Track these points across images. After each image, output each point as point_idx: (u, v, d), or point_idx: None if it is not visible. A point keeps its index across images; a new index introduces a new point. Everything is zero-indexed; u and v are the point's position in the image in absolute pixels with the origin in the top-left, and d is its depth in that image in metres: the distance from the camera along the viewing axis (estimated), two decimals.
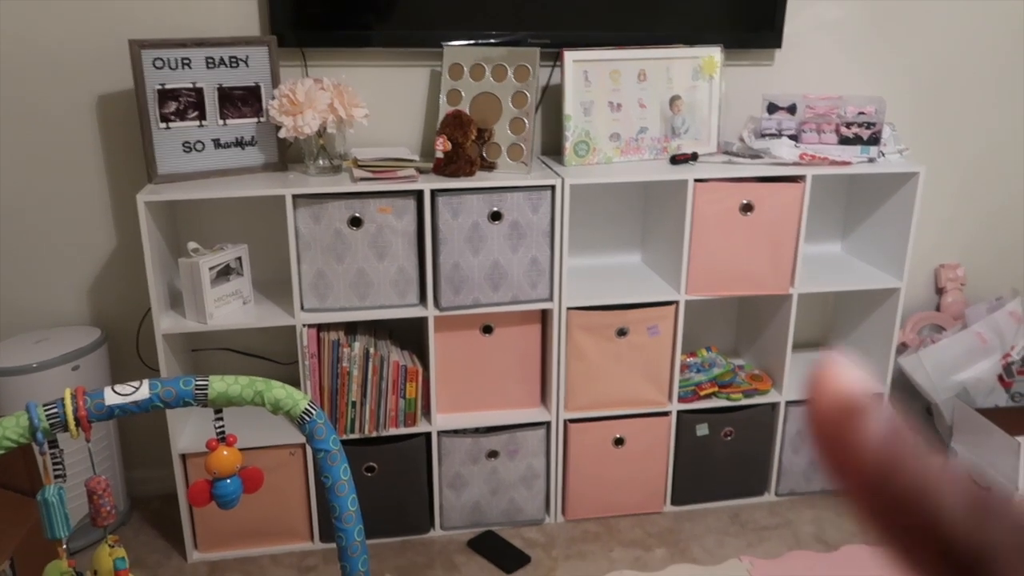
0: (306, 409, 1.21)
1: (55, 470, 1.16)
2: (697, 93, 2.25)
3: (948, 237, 2.69)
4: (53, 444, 1.15)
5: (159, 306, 2.00)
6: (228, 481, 1.24)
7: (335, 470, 1.21)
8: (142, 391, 1.15)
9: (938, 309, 2.71)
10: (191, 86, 2.00)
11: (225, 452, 1.23)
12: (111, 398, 1.14)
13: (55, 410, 1.12)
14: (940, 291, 2.70)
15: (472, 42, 2.16)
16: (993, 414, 2.45)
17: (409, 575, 2.13)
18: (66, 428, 1.13)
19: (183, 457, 2.11)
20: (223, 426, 1.23)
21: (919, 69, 2.50)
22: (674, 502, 2.40)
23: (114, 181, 2.21)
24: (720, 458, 2.37)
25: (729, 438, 2.35)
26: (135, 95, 1.97)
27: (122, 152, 2.18)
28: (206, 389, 1.18)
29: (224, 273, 2.04)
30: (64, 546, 1.22)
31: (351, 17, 2.12)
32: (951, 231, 2.68)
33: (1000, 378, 2.54)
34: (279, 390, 1.20)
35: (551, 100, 2.29)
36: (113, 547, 1.24)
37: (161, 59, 1.95)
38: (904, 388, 2.64)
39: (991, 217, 2.70)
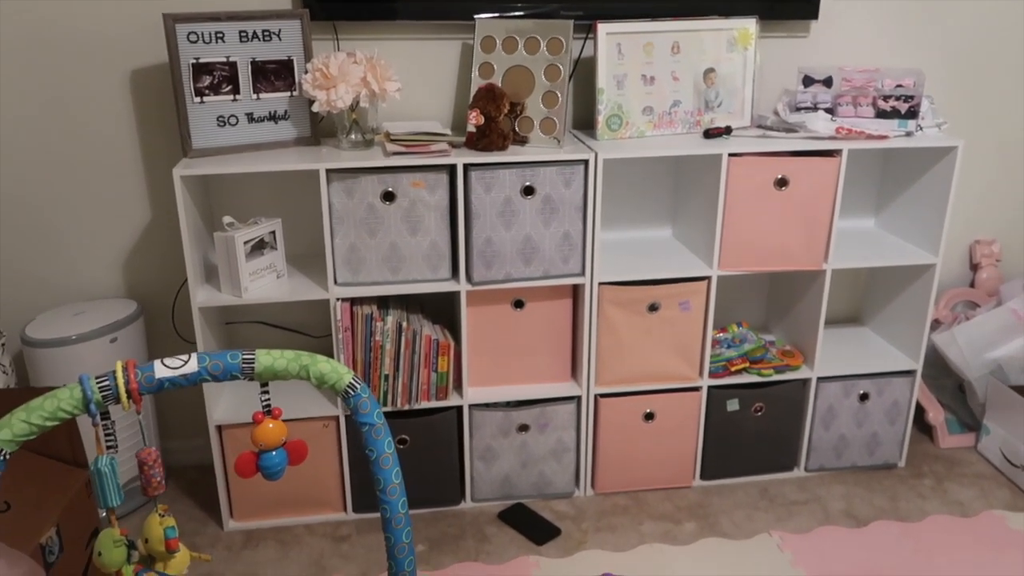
0: (350, 383, 1.22)
1: (107, 441, 1.18)
2: (731, 65, 2.23)
3: (984, 212, 2.66)
4: (105, 416, 1.17)
5: (195, 279, 2.02)
6: (274, 453, 1.26)
7: (379, 443, 1.22)
8: (191, 365, 1.17)
9: (972, 285, 2.68)
10: (225, 60, 2.00)
11: (271, 425, 1.25)
12: (161, 371, 1.16)
13: (107, 383, 1.14)
14: (975, 267, 2.67)
15: (504, 15, 2.14)
16: None
17: (441, 546, 2.16)
18: (118, 400, 1.15)
19: (219, 428, 2.14)
20: (269, 399, 1.25)
21: (957, 41, 2.45)
22: (703, 476, 2.41)
23: (149, 155, 2.22)
24: (750, 433, 2.37)
25: (759, 413, 2.35)
26: (170, 69, 1.97)
27: (157, 126, 2.20)
28: (253, 363, 1.20)
29: (258, 247, 2.06)
30: (115, 515, 1.25)
31: None
32: (987, 206, 2.65)
33: None
34: (324, 364, 1.22)
35: (583, 73, 2.27)
36: (163, 516, 1.26)
37: (195, 33, 1.95)
38: (937, 365, 2.62)
39: None
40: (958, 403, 2.68)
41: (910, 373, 2.40)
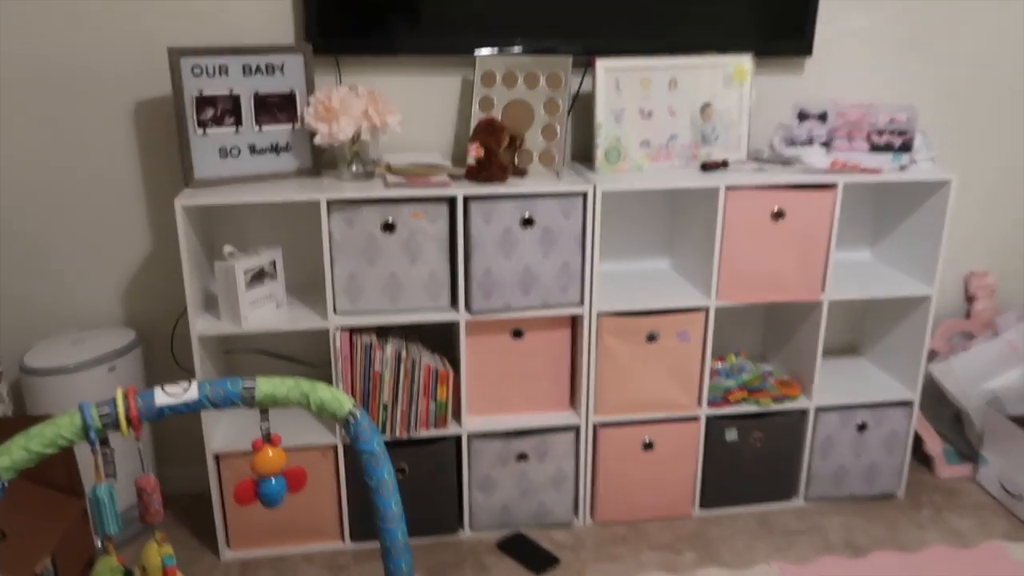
0: (351, 411, 1.23)
1: (106, 468, 1.19)
2: (728, 100, 2.26)
3: (978, 244, 2.68)
4: (104, 443, 1.18)
5: (195, 308, 2.03)
6: (273, 481, 1.26)
7: (379, 471, 1.23)
8: (191, 392, 1.18)
9: (968, 316, 2.70)
10: (228, 93, 2.03)
11: (270, 452, 1.25)
12: (161, 398, 1.17)
13: (107, 410, 1.15)
14: (970, 298, 2.69)
15: (504, 50, 2.18)
16: None
17: (439, 575, 2.16)
18: (117, 427, 1.16)
19: (216, 457, 2.14)
20: (268, 427, 1.26)
21: (949, 76, 2.49)
22: (703, 506, 2.41)
23: (151, 185, 2.24)
24: (749, 463, 2.37)
25: (758, 443, 2.35)
26: (173, 101, 2.00)
27: (159, 157, 2.22)
28: (253, 390, 1.20)
29: (258, 276, 2.07)
30: (112, 543, 1.25)
31: (384, 25, 2.14)
32: (981, 238, 2.67)
33: None
34: (324, 391, 1.23)
35: (582, 107, 2.31)
36: (161, 544, 1.26)
37: (199, 66, 1.99)
38: (934, 395, 2.63)
39: (1022, 224, 2.68)
40: (955, 433, 2.68)
41: (908, 403, 2.40)
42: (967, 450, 2.63)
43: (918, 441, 2.62)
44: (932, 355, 2.59)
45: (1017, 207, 2.66)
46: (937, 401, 2.65)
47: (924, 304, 2.33)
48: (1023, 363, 2.50)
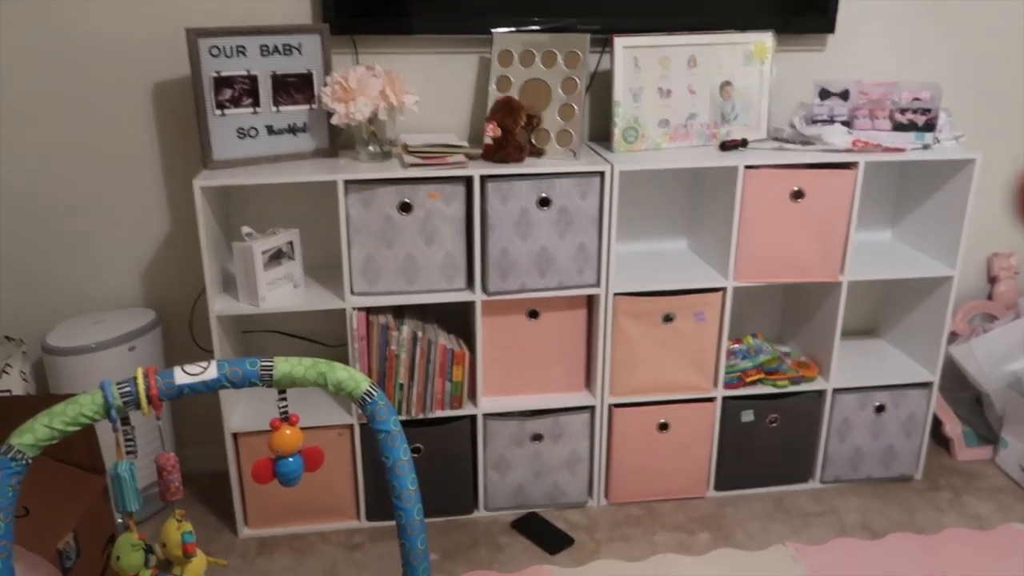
0: (367, 390, 1.24)
1: (127, 446, 1.20)
2: (748, 79, 2.23)
3: (1001, 225, 2.64)
4: (126, 421, 1.19)
5: (213, 289, 2.04)
6: (291, 459, 1.27)
7: (395, 451, 1.24)
8: (210, 371, 1.19)
9: (990, 298, 2.67)
10: (246, 73, 2.03)
11: (288, 431, 1.26)
12: (181, 377, 1.18)
13: (128, 388, 1.16)
14: (992, 280, 2.66)
15: (521, 28, 2.16)
16: None
17: (454, 555, 2.17)
18: (138, 406, 1.17)
19: (235, 436, 2.16)
20: (287, 406, 1.27)
21: (974, 54, 2.45)
22: (717, 487, 2.41)
23: (169, 167, 2.25)
24: (764, 444, 2.37)
25: (774, 425, 2.35)
26: (192, 82, 2.00)
27: (177, 138, 2.23)
28: (271, 370, 1.21)
29: (276, 257, 2.08)
30: (133, 520, 1.26)
31: (401, 5, 2.13)
32: (1004, 219, 2.64)
33: None
34: (342, 372, 1.23)
35: (600, 86, 2.29)
36: (181, 521, 1.28)
37: (217, 47, 1.98)
38: (954, 377, 2.61)
39: None
40: (975, 416, 2.66)
41: (927, 385, 2.38)
42: (987, 433, 2.61)
43: (937, 423, 2.60)
44: (953, 337, 2.57)
45: None
46: (957, 383, 2.63)
47: (945, 285, 2.30)
48: None
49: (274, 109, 2.08)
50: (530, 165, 2.06)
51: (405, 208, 2.02)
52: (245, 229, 2.06)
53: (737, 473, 2.39)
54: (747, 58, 2.22)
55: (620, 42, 2.11)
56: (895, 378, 2.38)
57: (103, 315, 2.26)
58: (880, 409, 2.38)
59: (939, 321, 2.34)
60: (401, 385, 2.15)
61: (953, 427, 2.59)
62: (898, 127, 2.19)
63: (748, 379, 2.31)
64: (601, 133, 2.34)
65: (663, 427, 2.30)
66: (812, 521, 2.30)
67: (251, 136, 2.07)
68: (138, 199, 2.27)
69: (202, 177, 1.96)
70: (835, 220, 2.17)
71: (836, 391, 2.35)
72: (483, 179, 2.02)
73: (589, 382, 2.30)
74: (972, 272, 2.68)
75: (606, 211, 2.08)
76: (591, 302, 2.22)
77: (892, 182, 2.50)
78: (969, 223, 2.23)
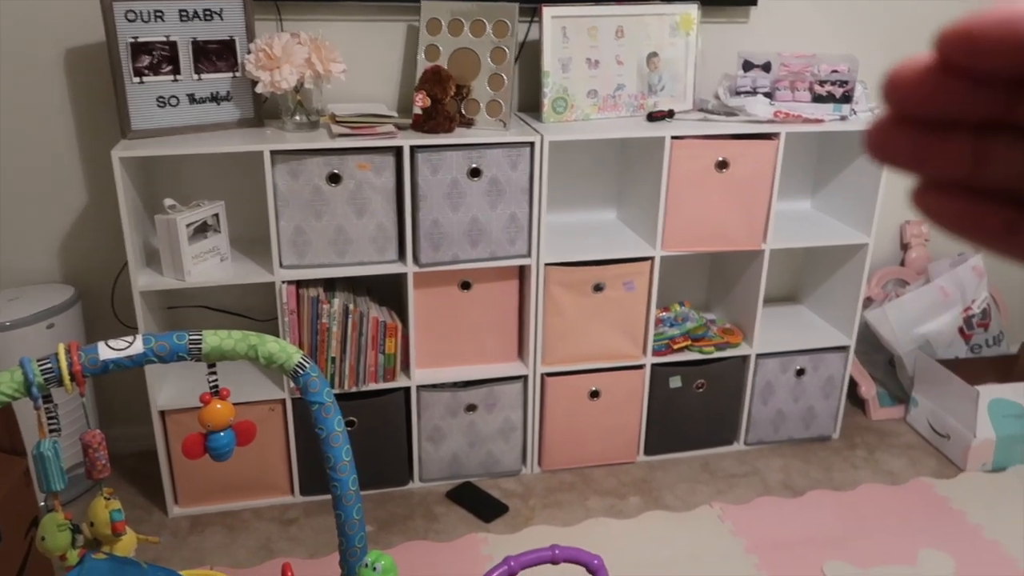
0: (300, 362, 1.23)
1: (50, 424, 1.17)
2: (674, 50, 2.27)
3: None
4: (47, 399, 1.16)
5: (135, 263, 1.99)
6: (222, 434, 1.26)
7: (329, 422, 1.23)
8: (136, 346, 1.16)
9: (902, 264, 2.79)
10: (164, 39, 1.97)
11: (219, 406, 1.24)
12: (105, 352, 1.15)
13: (49, 365, 1.13)
14: (905, 247, 2.78)
15: None
16: (953, 365, 2.55)
17: (390, 526, 2.18)
18: (60, 383, 1.13)
19: (162, 414, 2.11)
20: (216, 380, 1.25)
21: (893, 27, 2.53)
22: (647, 452, 2.47)
23: (86, 137, 2.17)
24: (692, 409, 2.44)
25: (701, 390, 2.42)
26: (107, 48, 1.93)
27: (94, 107, 2.14)
28: (200, 343, 1.19)
29: (201, 230, 2.03)
30: (59, 500, 1.23)
31: None
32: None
33: (960, 330, 2.64)
34: (272, 344, 1.22)
35: (529, 56, 2.29)
36: (109, 499, 1.25)
37: (133, 11, 1.91)
38: (869, 341, 2.72)
39: None
40: (889, 377, 2.79)
41: (844, 349, 2.49)
42: (899, 393, 2.75)
43: (853, 385, 2.72)
44: (868, 302, 2.68)
45: None
46: (871, 346, 2.75)
47: (861, 252, 2.40)
48: (953, 309, 2.60)
49: (195, 77, 2.02)
50: (460, 135, 2.05)
51: (334, 179, 2.00)
52: (168, 201, 2.00)
53: (665, 438, 2.46)
54: (673, 29, 2.25)
55: (548, 12, 2.12)
56: (814, 342, 2.47)
57: (19, 291, 2.18)
58: (800, 372, 2.47)
59: (855, 287, 2.44)
60: (333, 358, 2.13)
61: (868, 388, 2.71)
62: (817, 99, 2.26)
63: (676, 346, 2.37)
64: (530, 103, 2.34)
65: (594, 395, 2.34)
66: (737, 482, 2.39)
67: (172, 105, 2.01)
68: (53, 171, 2.18)
69: (120, 148, 1.90)
70: (758, 190, 2.23)
71: (759, 356, 2.43)
72: (413, 149, 2.01)
73: (522, 352, 2.32)
74: (886, 240, 2.79)
75: (536, 181, 2.10)
76: (523, 272, 2.24)
77: (811, 153, 2.58)
78: (883, 192, 2.32)
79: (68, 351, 1.13)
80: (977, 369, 2.59)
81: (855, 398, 2.76)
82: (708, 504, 2.28)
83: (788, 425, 2.53)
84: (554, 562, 1.41)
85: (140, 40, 1.93)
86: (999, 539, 2.14)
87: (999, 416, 2.40)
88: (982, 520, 2.21)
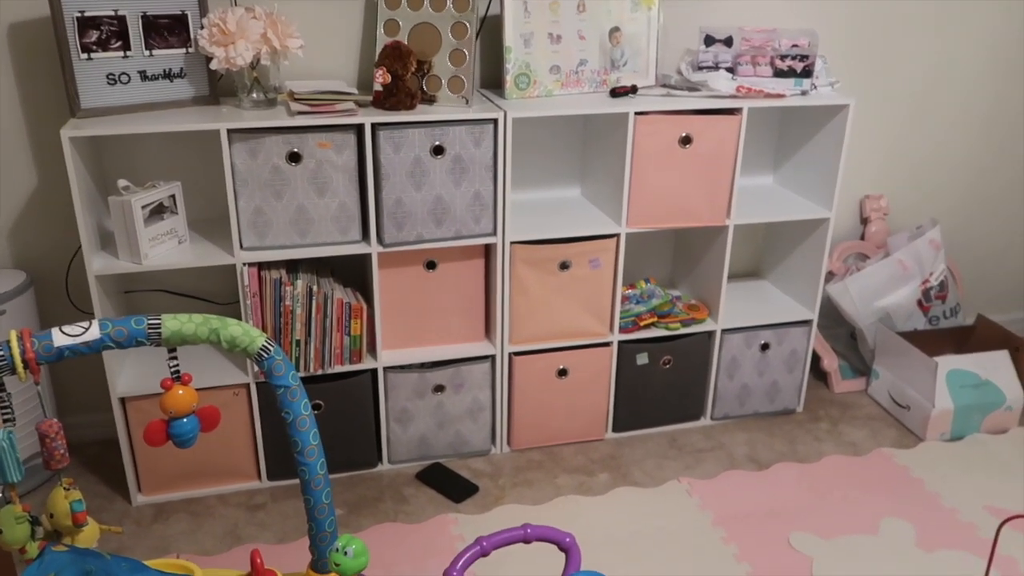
0: (263, 346, 1.20)
1: (4, 414, 1.13)
2: (636, 25, 2.25)
3: (873, 168, 2.79)
4: (1, 388, 1.11)
5: (90, 247, 1.93)
6: (185, 420, 1.23)
7: (295, 405, 1.21)
8: (92, 331, 1.12)
9: (863, 238, 2.82)
10: (112, 14, 1.90)
11: (181, 391, 1.21)
12: (60, 339, 1.11)
13: (1, 352, 1.08)
14: (865, 221, 2.81)
15: None
16: (912, 337, 2.59)
17: (360, 509, 2.16)
18: (13, 371, 1.09)
19: (123, 401, 2.06)
20: (178, 365, 1.22)
21: (856, 4, 2.54)
22: (615, 429, 2.48)
23: (33, 116, 2.09)
24: (659, 386, 2.45)
25: (667, 366, 2.43)
26: (52, 23, 1.86)
27: (42, 85, 2.07)
28: (159, 328, 1.16)
29: (157, 212, 1.98)
30: (16, 491, 1.19)
31: None
32: (875, 162, 2.78)
33: (919, 303, 2.68)
34: (235, 328, 1.19)
35: (490, 31, 2.25)
36: (69, 490, 1.22)
37: None
38: (831, 315, 2.76)
39: (912, 149, 2.80)
40: (850, 350, 2.83)
41: (807, 323, 2.51)
42: (860, 366, 2.79)
43: (816, 359, 2.76)
44: (829, 276, 2.71)
45: (908, 131, 2.77)
46: (833, 320, 2.78)
47: (823, 227, 2.42)
48: (912, 282, 2.64)
49: (146, 53, 1.96)
50: (422, 112, 2.02)
51: (294, 158, 1.95)
52: (122, 183, 1.94)
53: (633, 414, 2.47)
54: (635, 4, 2.23)
55: None
56: (778, 317, 2.49)
57: None
58: (765, 347, 2.49)
59: (817, 261, 2.46)
60: (298, 341, 2.10)
61: (830, 361, 2.75)
62: (778, 73, 2.26)
63: (642, 323, 2.38)
64: (493, 80, 2.31)
65: (562, 373, 2.34)
66: (704, 456, 2.41)
67: (122, 82, 1.95)
68: (0, 153, 2.10)
69: (70, 127, 1.84)
70: (721, 165, 2.24)
71: (724, 331, 2.44)
72: (374, 127, 1.97)
73: (489, 331, 2.31)
74: (846, 214, 2.82)
75: (500, 159, 2.08)
76: (488, 251, 2.22)
77: (773, 128, 2.59)
78: (843, 166, 2.34)
79: (20, 338, 1.09)
80: (935, 340, 2.63)
81: (818, 371, 2.80)
82: (676, 479, 2.30)
83: (753, 399, 2.56)
84: (526, 541, 1.41)
85: (87, 14, 1.87)
86: (957, 506, 2.19)
87: (956, 386, 2.45)
88: (940, 488, 2.26)
